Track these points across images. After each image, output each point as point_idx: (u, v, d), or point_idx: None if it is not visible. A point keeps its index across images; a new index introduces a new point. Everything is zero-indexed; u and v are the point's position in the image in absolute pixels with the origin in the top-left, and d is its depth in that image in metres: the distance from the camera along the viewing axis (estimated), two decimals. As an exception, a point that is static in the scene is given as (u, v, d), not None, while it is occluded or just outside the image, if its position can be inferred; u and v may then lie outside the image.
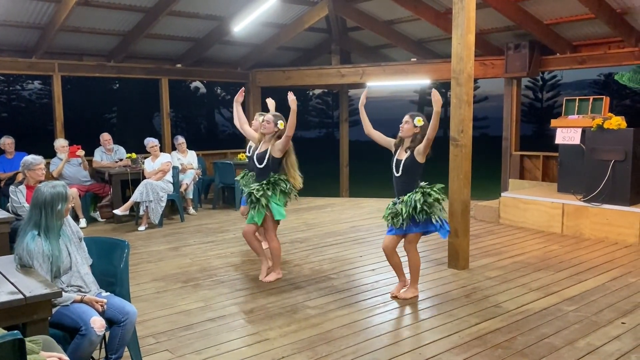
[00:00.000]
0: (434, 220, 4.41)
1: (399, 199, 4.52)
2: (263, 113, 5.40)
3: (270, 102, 5.71)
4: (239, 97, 5.38)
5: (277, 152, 4.87)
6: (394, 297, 4.61)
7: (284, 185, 4.93)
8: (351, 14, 9.59)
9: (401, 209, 4.42)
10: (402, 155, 4.50)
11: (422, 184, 4.50)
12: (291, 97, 4.82)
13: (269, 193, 4.85)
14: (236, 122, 5.47)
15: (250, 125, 5.63)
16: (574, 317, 4.13)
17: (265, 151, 4.88)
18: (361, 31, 10.36)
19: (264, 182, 4.90)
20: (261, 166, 4.89)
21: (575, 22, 7.75)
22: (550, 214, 7.15)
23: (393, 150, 4.62)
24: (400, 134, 4.52)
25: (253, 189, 4.90)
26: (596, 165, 6.76)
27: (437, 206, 4.41)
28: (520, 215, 7.51)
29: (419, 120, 4.43)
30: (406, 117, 4.49)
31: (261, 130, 4.99)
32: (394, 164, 4.54)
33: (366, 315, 4.24)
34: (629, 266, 5.52)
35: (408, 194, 4.44)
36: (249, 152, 5.85)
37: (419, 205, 4.34)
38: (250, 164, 5.33)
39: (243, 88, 5.65)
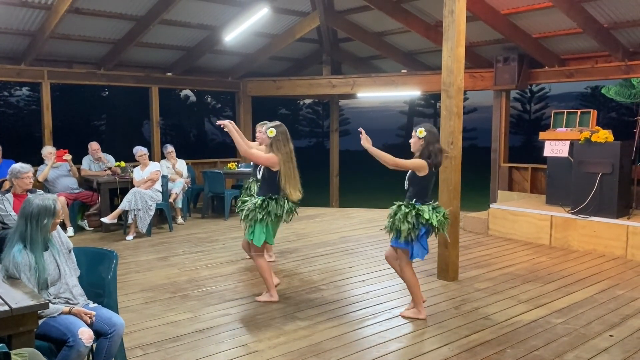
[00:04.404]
0: (404, 239, 4.20)
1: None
2: (265, 122, 5.09)
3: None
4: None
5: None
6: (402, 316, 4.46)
7: (274, 207, 4.64)
8: (342, 25, 9.65)
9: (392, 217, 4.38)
10: None
11: (432, 203, 4.34)
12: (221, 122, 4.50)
13: (259, 216, 4.56)
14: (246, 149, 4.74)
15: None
16: (563, 330, 4.15)
17: None
18: (352, 42, 10.42)
19: (258, 202, 4.64)
20: (259, 176, 4.85)
21: (563, 36, 7.86)
22: (539, 226, 7.19)
23: None
24: (411, 149, 4.41)
25: (245, 208, 4.70)
26: (584, 178, 6.83)
27: (410, 224, 4.16)
28: (509, 226, 7.55)
29: (420, 132, 4.31)
30: (413, 132, 4.43)
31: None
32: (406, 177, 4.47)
33: (356, 327, 4.23)
34: (616, 278, 5.56)
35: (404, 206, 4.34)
36: None
37: (397, 221, 4.23)
38: (254, 173, 5.23)
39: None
